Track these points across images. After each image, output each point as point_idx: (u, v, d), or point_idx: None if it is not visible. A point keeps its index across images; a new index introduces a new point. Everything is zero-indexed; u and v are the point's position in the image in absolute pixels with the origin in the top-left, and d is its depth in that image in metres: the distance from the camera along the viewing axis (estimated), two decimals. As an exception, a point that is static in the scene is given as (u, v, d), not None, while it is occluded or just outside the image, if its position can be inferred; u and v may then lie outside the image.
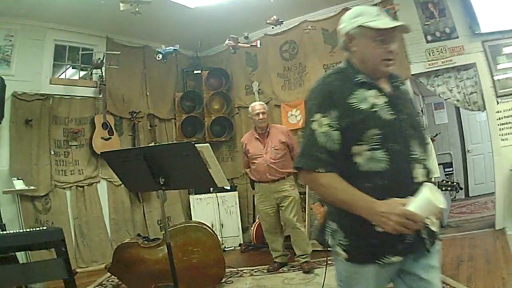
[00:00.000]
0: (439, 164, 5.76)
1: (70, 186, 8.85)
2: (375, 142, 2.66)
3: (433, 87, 8.65)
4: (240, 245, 10.00)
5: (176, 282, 4.30)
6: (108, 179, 9.32)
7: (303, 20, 9.76)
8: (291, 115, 9.72)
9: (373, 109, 2.72)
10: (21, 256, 7.04)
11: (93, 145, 8.99)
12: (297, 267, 7.55)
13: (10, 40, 8.12)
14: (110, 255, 7.71)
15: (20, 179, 7.69)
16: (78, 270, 7.88)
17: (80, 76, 9.56)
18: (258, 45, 9.19)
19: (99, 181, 9.28)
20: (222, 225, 10.00)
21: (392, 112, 2.77)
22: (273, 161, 7.39)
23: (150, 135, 10.14)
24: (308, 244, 7.58)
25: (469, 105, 8.41)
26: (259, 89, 10.30)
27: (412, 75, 8.75)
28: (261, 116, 7.51)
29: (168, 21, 9.16)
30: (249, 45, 9.21)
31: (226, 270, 7.12)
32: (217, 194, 10.06)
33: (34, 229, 5.96)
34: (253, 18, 9.16)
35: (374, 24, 2.75)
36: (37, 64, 8.58)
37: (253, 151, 7.60)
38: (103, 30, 9.37)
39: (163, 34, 9.66)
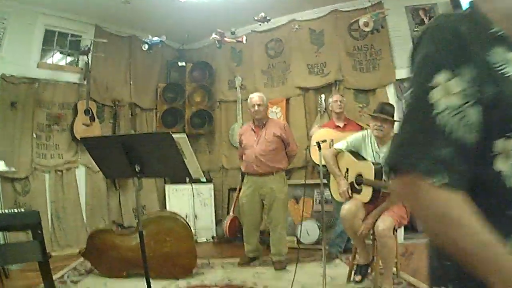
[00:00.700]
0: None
1: (50, 170, 8.90)
2: None
3: (417, 93, 8.70)
4: (213, 237, 10.07)
5: (146, 270, 4.34)
6: (87, 165, 9.34)
7: (291, 19, 9.81)
8: (272, 112, 9.71)
9: None
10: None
11: (74, 130, 9.03)
12: (269, 262, 7.60)
13: (3, 23, 8.15)
14: (84, 240, 7.72)
15: (1, 161, 7.71)
16: (52, 253, 7.93)
17: (67, 62, 9.59)
18: (244, 41, 9.25)
19: (77, 167, 9.33)
20: (196, 216, 10.02)
21: None
22: (262, 153, 7.30)
23: (131, 124, 10.20)
24: (285, 246, 7.56)
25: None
26: (241, 85, 10.37)
27: (397, 79, 8.85)
28: (256, 108, 7.43)
29: (157, 13, 9.19)
30: (235, 41, 9.27)
31: (198, 261, 7.16)
32: (193, 185, 10.03)
33: (12, 210, 6.02)
34: (241, 14, 9.20)
35: None
36: (26, 48, 8.64)
37: (246, 142, 7.56)
38: (92, 17, 9.39)
39: (151, 25, 9.69)
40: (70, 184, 9.18)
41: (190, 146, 4.33)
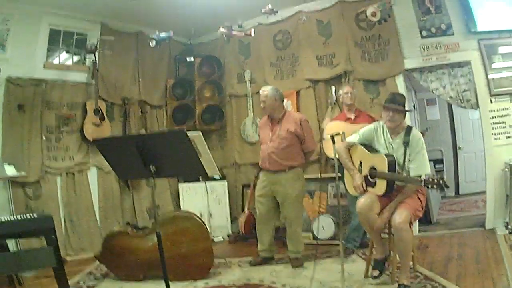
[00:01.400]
0: (429, 161, 5.78)
1: (61, 173, 8.81)
2: None
3: (426, 82, 8.64)
4: (228, 235, 9.96)
5: (165, 272, 4.28)
6: (98, 166, 9.28)
7: (298, 11, 9.69)
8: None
9: None
10: (11, 243, 7.01)
11: (84, 131, 8.94)
12: (286, 260, 7.50)
13: (6, 25, 8.07)
14: (98, 243, 7.69)
15: (11, 165, 7.64)
16: (67, 258, 7.82)
17: (74, 61, 9.50)
18: (252, 34, 9.12)
19: (89, 168, 9.24)
20: (210, 214, 9.95)
21: None
22: (275, 150, 7.13)
23: (141, 122, 10.10)
24: (301, 243, 7.41)
25: (462, 103, 8.41)
26: (251, 78, 10.27)
27: (406, 69, 8.72)
28: (262, 104, 7.31)
29: (163, 8, 9.11)
30: (242, 34, 9.14)
31: (214, 260, 7.07)
32: (206, 183, 9.98)
33: (24, 216, 5.92)
34: (247, 7, 9.14)
35: None
36: (32, 48, 8.53)
37: (262, 137, 7.46)
38: (97, 15, 9.30)
39: (157, 21, 9.58)
40: (82, 186, 9.09)
41: (205, 143, 4.23)
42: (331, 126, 7.78)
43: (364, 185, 5.81)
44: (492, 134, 8.18)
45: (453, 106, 13.12)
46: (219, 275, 6.97)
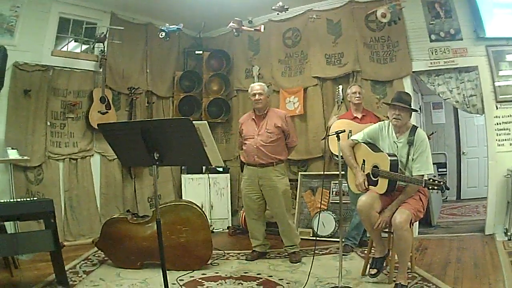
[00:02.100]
0: (433, 164, 5.80)
1: (64, 158, 8.84)
2: None
3: (433, 86, 8.65)
4: (228, 227, 9.98)
5: (163, 260, 4.26)
6: (102, 153, 9.33)
7: (308, 9, 9.70)
8: (289, 101, 9.74)
9: None
10: (9, 226, 7.04)
11: (89, 118, 8.97)
12: (283, 254, 7.55)
13: (16, 11, 8.08)
14: (98, 230, 7.73)
15: (14, 149, 7.67)
16: (65, 243, 7.84)
17: (82, 49, 9.51)
18: (262, 30, 9.15)
19: (92, 155, 9.27)
20: (211, 206, 10.03)
21: None
22: (263, 144, 7.20)
23: (147, 112, 10.15)
24: (296, 235, 7.50)
25: (468, 107, 8.41)
26: (259, 74, 10.29)
27: (413, 72, 8.73)
28: (257, 97, 7.32)
29: (174, 1, 9.14)
30: (252, 29, 9.18)
31: (213, 252, 7.11)
32: (209, 175, 10.08)
33: (24, 199, 5.95)
34: (258, 3, 9.17)
35: None
36: (40, 35, 8.55)
37: (246, 132, 7.45)
38: (108, 5, 9.33)
39: (168, 13, 9.60)
40: (85, 173, 9.12)
41: (210, 133, 4.24)
42: (338, 124, 7.79)
43: (366, 183, 5.84)
44: (496, 140, 8.18)
45: (458, 111, 13.13)
46: (216, 266, 7.02)
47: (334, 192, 8.93)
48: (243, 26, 8.98)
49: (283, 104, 9.84)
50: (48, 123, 8.63)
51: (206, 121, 4.32)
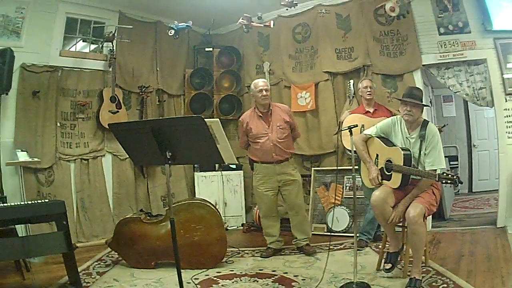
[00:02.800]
0: (444, 157, 5.78)
1: (75, 159, 8.85)
2: None
3: (443, 79, 8.62)
4: (242, 225, 9.99)
5: (178, 259, 4.24)
6: (114, 153, 9.33)
7: (317, 4, 9.69)
8: (301, 97, 9.73)
9: None
10: (20, 229, 7.05)
11: (100, 118, 8.96)
12: (297, 251, 7.53)
13: (22, 13, 8.07)
14: (111, 230, 7.74)
15: (24, 151, 7.68)
16: (78, 244, 7.84)
17: (91, 49, 9.51)
18: (272, 26, 9.15)
19: (104, 155, 9.27)
20: (225, 203, 10.01)
21: None
22: (279, 140, 7.20)
23: (158, 110, 10.17)
24: (309, 227, 7.59)
25: (477, 100, 8.38)
26: (269, 70, 10.21)
27: (423, 65, 8.70)
28: (264, 93, 7.33)
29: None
30: (262, 25, 9.15)
31: (228, 249, 7.11)
32: (222, 172, 10.06)
33: (35, 201, 5.94)
34: (267, -1, 9.10)
35: None
36: (47, 36, 8.55)
37: (256, 130, 7.33)
38: (116, 4, 9.34)
39: (176, 10, 9.62)
40: (97, 173, 9.13)
41: (223, 130, 4.22)
42: (350, 119, 7.77)
43: (380, 178, 5.83)
44: (506, 132, 8.14)
45: (468, 104, 13.13)
46: (231, 264, 7.00)
47: (347, 187, 8.90)
48: (252, 22, 8.95)
49: (294, 99, 9.83)
50: (58, 124, 8.63)
51: (218, 119, 4.32)
